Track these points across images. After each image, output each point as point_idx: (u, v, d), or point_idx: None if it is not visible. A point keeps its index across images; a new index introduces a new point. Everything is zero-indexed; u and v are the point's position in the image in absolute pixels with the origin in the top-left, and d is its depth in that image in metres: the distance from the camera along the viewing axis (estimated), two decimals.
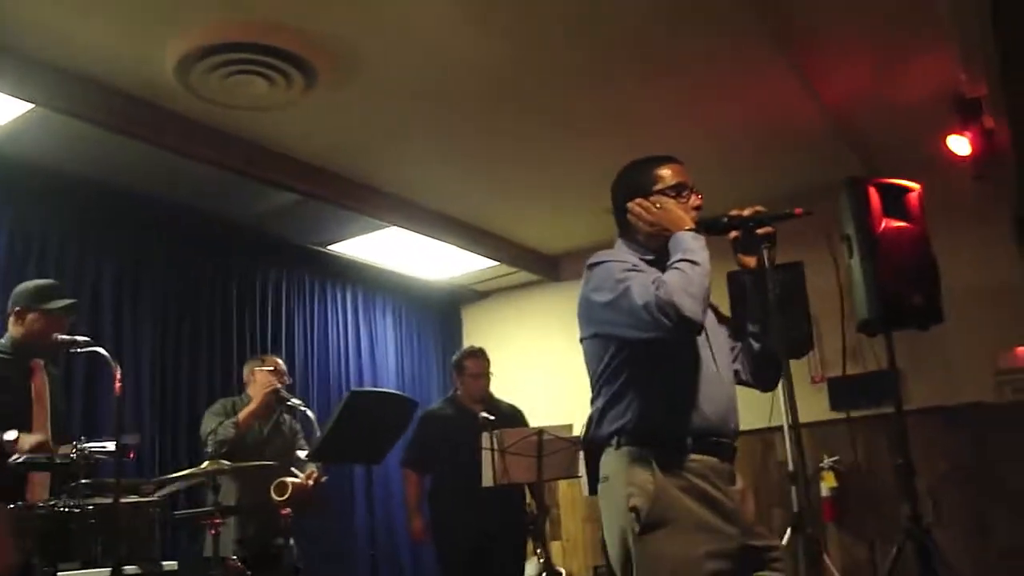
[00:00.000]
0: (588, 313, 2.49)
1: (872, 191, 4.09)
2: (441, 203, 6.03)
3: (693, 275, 2.30)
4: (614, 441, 2.41)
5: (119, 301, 5.24)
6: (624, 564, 2.35)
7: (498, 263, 6.89)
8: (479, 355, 5.24)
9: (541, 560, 5.17)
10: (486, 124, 4.88)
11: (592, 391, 2.54)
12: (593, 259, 2.47)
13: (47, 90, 3.96)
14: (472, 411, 4.94)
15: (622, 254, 2.50)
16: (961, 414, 5.44)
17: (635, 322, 2.30)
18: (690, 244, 2.38)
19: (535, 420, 5.21)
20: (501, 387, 5.51)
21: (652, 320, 2.25)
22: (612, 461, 2.41)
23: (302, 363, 6.35)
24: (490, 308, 7.89)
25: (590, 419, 2.54)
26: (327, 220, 5.91)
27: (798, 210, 2.54)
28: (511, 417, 5.13)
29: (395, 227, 5.91)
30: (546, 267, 7.34)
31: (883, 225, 4.06)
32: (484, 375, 5.19)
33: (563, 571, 5.70)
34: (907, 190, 4.16)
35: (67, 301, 3.79)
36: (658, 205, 2.52)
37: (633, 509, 2.29)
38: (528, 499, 5.19)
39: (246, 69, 3.97)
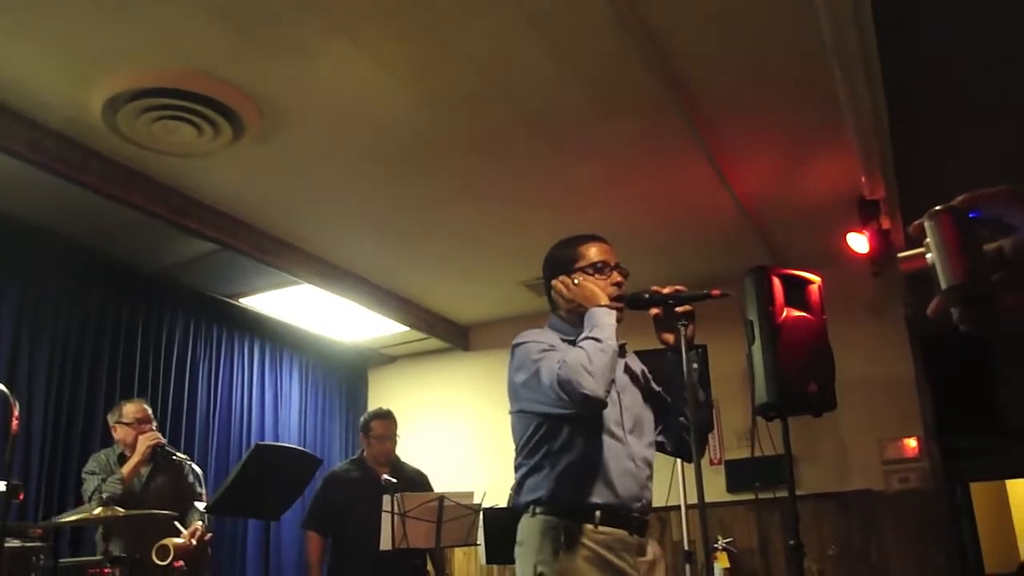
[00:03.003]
0: (512, 391, 2.61)
1: (776, 280, 4.24)
2: (355, 264, 6.06)
3: (594, 352, 2.40)
4: (530, 509, 2.50)
5: (16, 337, 5.08)
6: None
7: (408, 328, 6.89)
8: (386, 417, 5.21)
9: None
10: (405, 190, 4.95)
11: (515, 460, 2.64)
12: (516, 340, 2.60)
13: None
14: (377, 473, 4.90)
15: (544, 335, 2.62)
16: (851, 500, 5.63)
17: (545, 399, 2.42)
18: (599, 320, 2.49)
19: (437, 487, 5.21)
20: (403, 452, 5.49)
21: (557, 398, 2.38)
22: (526, 528, 2.51)
23: (204, 414, 6.22)
24: (397, 372, 7.87)
25: (514, 486, 2.63)
26: (240, 272, 5.84)
27: (715, 291, 2.67)
28: (416, 481, 5.11)
29: (308, 284, 5.89)
30: (456, 335, 7.39)
31: (784, 314, 4.22)
32: (390, 437, 5.15)
33: None
34: (808, 282, 4.33)
35: None
36: (576, 282, 2.62)
37: None
38: (428, 566, 5.14)
39: (175, 115, 3.97)
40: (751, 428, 5.47)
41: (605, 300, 2.57)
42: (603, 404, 2.41)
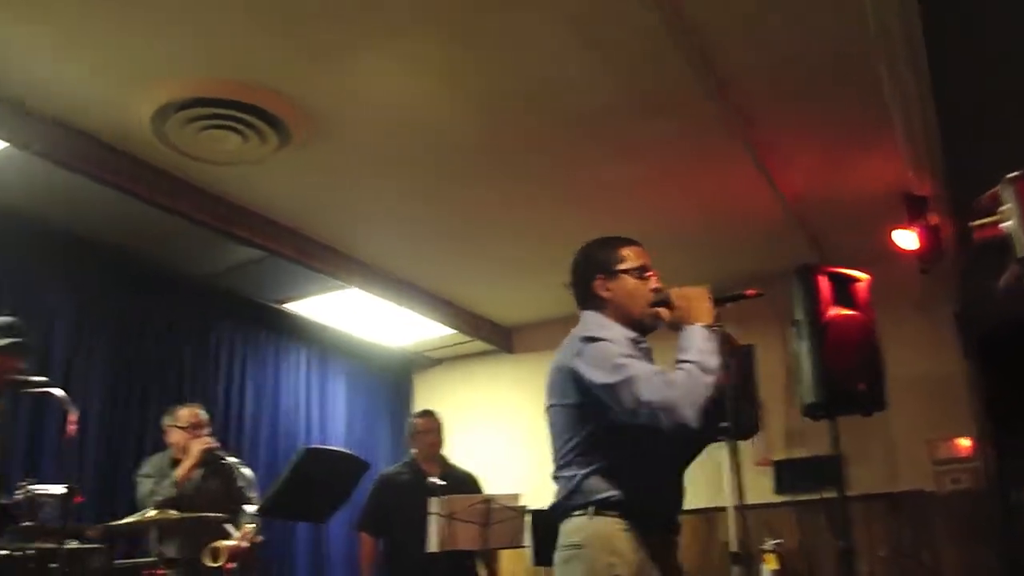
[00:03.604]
0: (575, 383, 2.48)
1: (822, 279, 4.22)
2: (400, 268, 6.10)
3: (700, 383, 2.34)
4: (590, 509, 2.41)
5: (72, 345, 5.19)
6: None
7: (453, 331, 6.92)
8: (428, 414, 5.29)
9: None
10: (448, 193, 4.98)
11: (560, 457, 2.54)
12: (588, 332, 2.51)
13: (23, 132, 3.98)
14: (427, 474, 4.93)
15: (612, 331, 2.53)
16: (902, 501, 5.55)
17: (631, 411, 2.33)
18: (704, 345, 2.43)
19: (485, 489, 5.22)
20: (450, 455, 5.52)
21: (649, 416, 2.30)
22: (588, 528, 2.40)
23: (252, 419, 6.30)
24: (442, 375, 7.89)
25: (564, 485, 2.51)
26: (286, 277, 5.92)
27: (750, 291, 2.65)
28: (465, 482, 5.13)
29: (353, 288, 5.95)
30: (500, 338, 7.40)
31: (831, 312, 4.19)
32: (432, 432, 5.19)
33: None
34: (855, 280, 4.30)
35: (15, 340, 3.69)
36: (645, 287, 2.61)
37: None
38: (479, 569, 5.14)
39: (222, 124, 4.04)
40: (795, 429, 5.43)
41: (709, 319, 2.51)
42: (690, 434, 2.38)
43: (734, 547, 5.21)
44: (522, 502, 4.72)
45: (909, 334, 5.36)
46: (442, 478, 4.80)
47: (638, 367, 2.38)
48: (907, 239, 4.97)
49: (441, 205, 5.13)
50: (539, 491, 4.75)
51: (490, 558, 5.07)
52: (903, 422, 5.24)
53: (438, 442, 5.22)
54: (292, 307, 6.41)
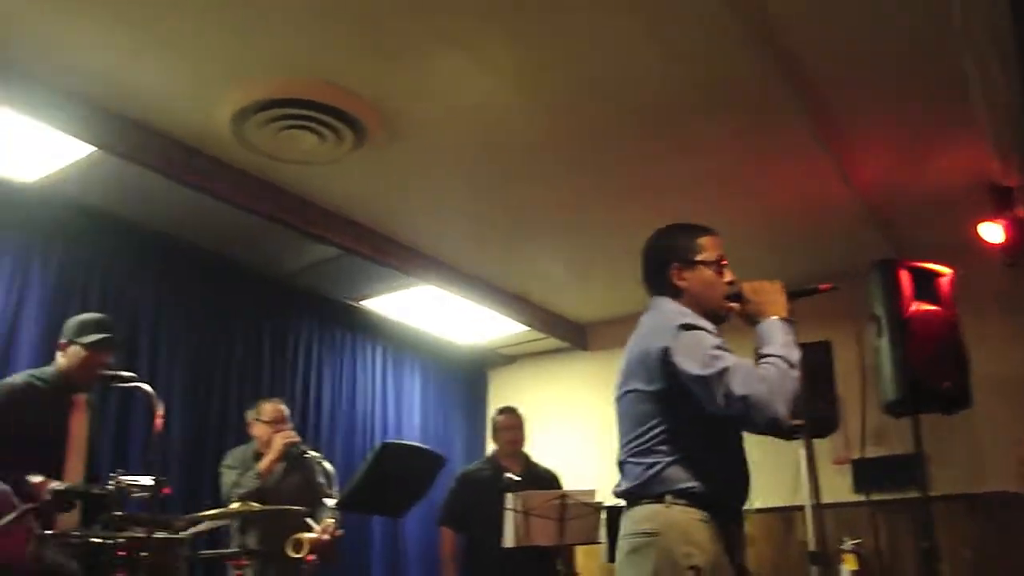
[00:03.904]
0: (665, 369, 2.44)
1: (903, 274, 4.13)
2: (475, 265, 6.14)
3: (788, 377, 2.33)
4: (668, 498, 2.38)
5: (155, 341, 5.36)
6: None
7: (528, 328, 6.95)
8: (509, 411, 5.37)
9: None
10: (521, 191, 5.01)
11: (637, 444, 2.50)
12: (684, 321, 2.46)
13: (109, 135, 4.12)
14: (506, 471, 4.96)
15: (700, 320, 2.50)
16: (987, 502, 5.40)
17: (723, 404, 2.31)
18: (785, 339, 2.42)
19: (563, 487, 5.22)
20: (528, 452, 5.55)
21: (743, 411, 2.29)
22: (664, 517, 2.38)
23: (329, 415, 6.42)
24: (516, 373, 7.92)
25: (639, 472, 2.47)
26: (362, 275, 6.02)
27: (824, 285, 2.61)
28: (546, 480, 5.16)
29: (428, 285, 6.01)
30: (574, 335, 7.40)
31: (913, 308, 4.10)
32: (512, 428, 5.26)
33: None
34: (938, 274, 4.20)
35: (106, 336, 3.82)
36: (717, 279, 2.59)
37: (694, 568, 2.29)
38: (558, 565, 5.15)
39: (300, 124, 4.12)
40: (875, 427, 5.32)
41: (785, 312, 2.49)
42: (784, 432, 2.36)
43: (812, 547, 5.14)
44: (597, 499, 4.72)
45: (994, 331, 5.21)
46: (523, 475, 4.84)
47: (732, 360, 2.35)
48: (992, 232, 4.84)
49: (514, 202, 5.16)
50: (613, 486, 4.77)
51: (568, 554, 5.08)
52: (988, 421, 5.09)
53: (519, 439, 5.28)
54: (368, 304, 6.50)
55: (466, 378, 7.85)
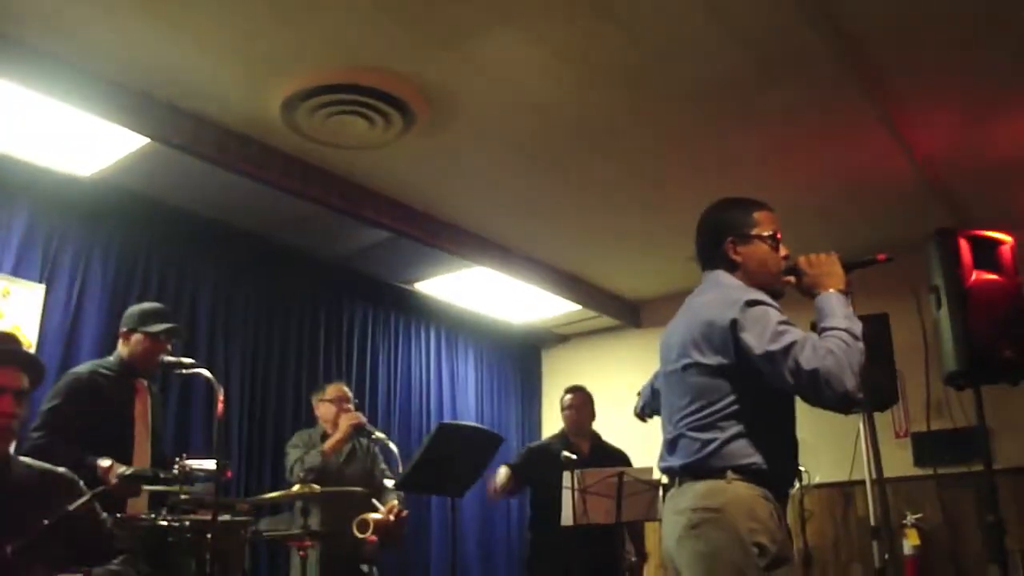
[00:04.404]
0: (731, 344, 2.40)
1: (963, 243, 4.03)
2: (526, 245, 6.15)
3: (854, 349, 2.30)
4: (729, 474, 2.35)
5: (213, 328, 5.47)
6: None
7: (580, 307, 6.95)
8: (575, 390, 5.38)
9: None
10: (575, 171, 4.99)
11: (697, 418, 2.46)
12: (751, 296, 2.42)
13: (164, 126, 4.18)
14: (576, 447, 4.97)
15: (765, 295, 2.47)
16: None
17: (790, 379, 2.28)
18: (846, 311, 2.39)
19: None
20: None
21: (811, 387, 2.26)
22: (727, 493, 2.34)
23: (384, 397, 6.50)
24: (569, 352, 7.93)
25: (697, 447, 2.44)
26: (414, 258, 6.07)
27: (881, 256, 2.57)
28: (615, 459, 5.15)
29: (480, 267, 6.03)
30: (627, 313, 7.39)
31: (973, 277, 4.01)
32: (576, 407, 5.26)
33: None
34: (999, 243, 4.10)
35: (168, 325, 3.92)
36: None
37: (758, 545, 2.27)
38: (627, 544, 5.13)
39: (349, 110, 4.15)
40: (936, 399, 5.23)
41: (842, 284, 2.46)
42: (853, 405, 2.34)
43: (873, 521, 5.09)
44: (655, 476, 4.71)
45: None
46: (591, 453, 4.85)
47: (799, 334, 2.33)
48: None
49: (565, 181, 5.14)
50: None
51: (638, 531, 5.07)
52: None
53: (583, 418, 5.28)
54: (421, 287, 6.55)
55: (519, 358, 7.88)
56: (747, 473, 2.36)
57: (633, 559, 5.05)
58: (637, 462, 4.95)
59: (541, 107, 4.31)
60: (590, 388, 7.39)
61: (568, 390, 5.42)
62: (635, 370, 7.14)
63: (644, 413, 3.31)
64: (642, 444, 6.17)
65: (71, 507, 1.76)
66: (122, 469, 3.42)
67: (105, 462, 3.42)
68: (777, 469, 2.40)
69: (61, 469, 2.88)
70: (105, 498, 3.00)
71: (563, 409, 5.32)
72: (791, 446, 2.51)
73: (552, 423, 5.39)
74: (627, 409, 7.15)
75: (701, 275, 2.72)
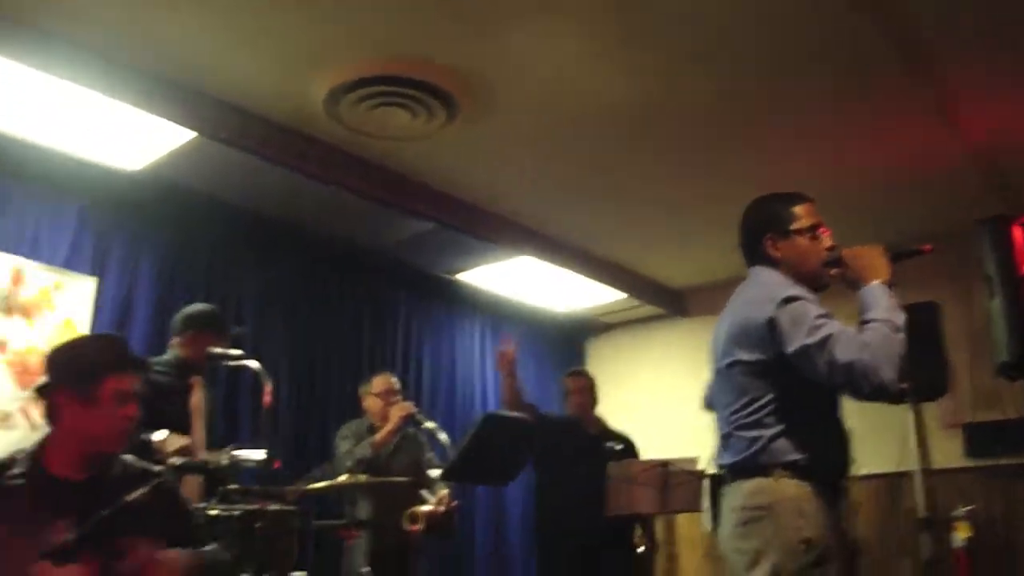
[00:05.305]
0: (770, 340, 2.41)
1: (1016, 230, 3.96)
2: (570, 234, 6.13)
3: (894, 341, 2.29)
4: (776, 472, 2.37)
5: (258, 319, 5.52)
6: None
7: (624, 295, 6.93)
8: (576, 374, 5.34)
9: None
10: (619, 159, 4.96)
11: (741, 417, 2.49)
12: (788, 292, 2.44)
13: (211, 121, 4.23)
14: (584, 429, 4.94)
15: (802, 290, 2.47)
16: None
17: (827, 373, 2.29)
18: (889, 302, 2.38)
19: (656, 454, 5.17)
20: (621, 419, 5.52)
21: (847, 380, 2.27)
22: (775, 491, 2.36)
23: (429, 387, 6.53)
24: (614, 341, 7.91)
25: (744, 446, 2.46)
26: (458, 248, 6.07)
27: (926, 247, 2.54)
28: (624, 443, 5.13)
29: (524, 256, 6.03)
30: (672, 301, 7.34)
31: None
32: (580, 392, 5.19)
33: None
34: None
35: (215, 328, 4.03)
36: (801, 244, 2.56)
37: (806, 542, 2.28)
38: (638, 535, 5.10)
39: (392, 101, 4.16)
40: (988, 390, 5.15)
41: (887, 275, 2.45)
42: (891, 397, 2.31)
43: (922, 513, 5.03)
44: (700, 466, 4.69)
45: None
46: (598, 437, 4.82)
47: (836, 327, 2.33)
48: None
49: (609, 172, 5.12)
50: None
51: (651, 524, 5.03)
52: None
53: (588, 402, 5.21)
54: (464, 277, 6.56)
55: (564, 347, 7.86)
56: (794, 469, 2.37)
57: (643, 548, 4.99)
58: (671, 452, 4.88)
59: (584, 95, 4.28)
60: (634, 377, 7.42)
61: (570, 374, 5.36)
62: (680, 359, 7.18)
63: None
64: (681, 433, 6.18)
65: (130, 497, 1.78)
66: (174, 460, 3.47)
67: (160, 434, 3.47)
68: (826, 462, 2.40)
69: (158, 468, 2.92)
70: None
71: (567, 394, 5.24)
72: (840, 437, 2.50)
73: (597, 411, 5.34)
74: (673, 397, 7.17)
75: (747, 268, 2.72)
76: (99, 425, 2.36)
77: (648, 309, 7.35)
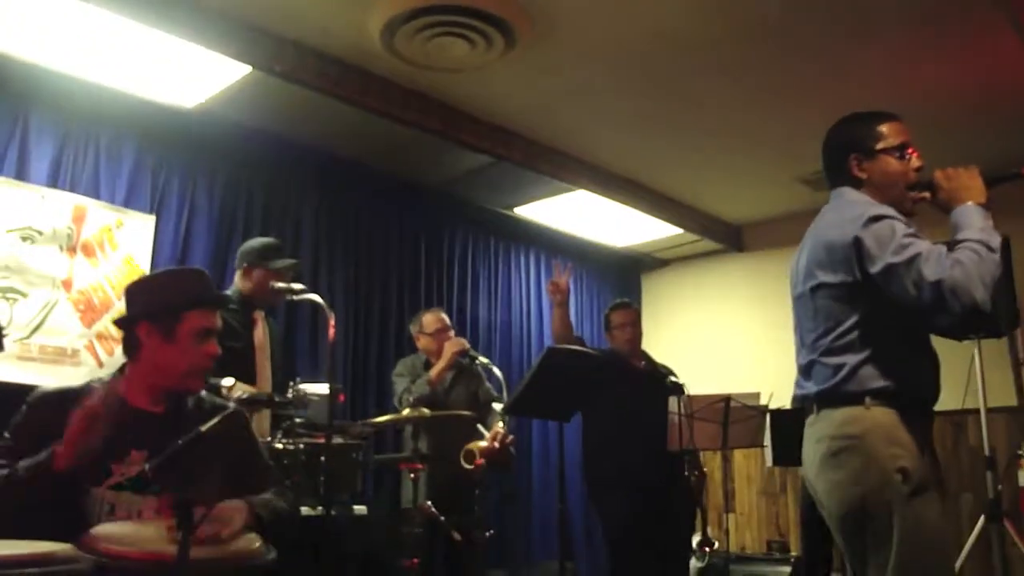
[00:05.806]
0: (856, 261, 2.32)
1: None
2: (628, 167, 6.03)
3: (988, 260, 2.20)
4: (866, 400, 2.29)
5: (316, 255, 5.54)
6: (858, 531, 2.26)
7: (681, 231, 6.83)
8: (624, 306, 5.06)
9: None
10: (682, 89, 4.83)
11: (826, 343, 2.40)
12: (875, 211, 2.33)
13: (266, 55, 4.18)
14: (630, 363, 4.87)
15: (890, 210, 2.36)
16: None
17: (916, 292, 2.20)
18: (985, 223, 2.28)
19: (714, 390, 5.07)
20: (677, 355, 5.47)
21: (937, 298, 2.17)
22: (866, 419, 2.28)
23: (485, 321, 6.54)
24: (670, 276, 7.84)
25: (830, 373, 2.37)
26: (515, 183, 6.00)
27: None
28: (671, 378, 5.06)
29: (581, 190, 5.95)
30: (729, 236, 7.23)
31: None
32: (627, 325, 4.95)
33: (716, 542, 5.53)
34: None
35: (291, 261, 4.03)
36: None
37: (902, 471, 2.21)
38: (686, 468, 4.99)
39: (449, 31, 4.07)
40: None
41: (983, 198, 2.34)
42: (983, 318, 2.23)
43: (986, 451, 4.94)
44: (762, 401, 4.63)
45: None
46: (646, 372, 4.77)
47: (925, 246, 2.23)
48: None
49: (668, 101, 4.99)
50: (775, 389, 4.66)
51: (696, 456, 4.91)
52: None
53: (635, 336, 5.00)
54: (521, 211, 6.50)
55: (619, 282, 7.82)
56: (885, 396, 2.28)
57: (695, 475, 4.83)
58: (731, 387, 4.77)
59: (644, 24, 4.16)
60: (690, 314, 7.36)
61: (616, 307, 5.07)
62: (736, 295, 7.11)
63: None
64: (740, 368, 6.12)
65: (204, 428, 1.78)
66: (240, 393, 3.50)
67: (228, 381, 3.48)
68: (917, 388, 2.33)
69: (232, 403, 2.93)
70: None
71: (612, 328, 4.99)
72: (930, 362, 2.41)
73: (651, 347, 5.23)
74: (730, 333, 7.10)
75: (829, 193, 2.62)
76: (180, 361, 2.35)
77: (705, 244, 7.25)
